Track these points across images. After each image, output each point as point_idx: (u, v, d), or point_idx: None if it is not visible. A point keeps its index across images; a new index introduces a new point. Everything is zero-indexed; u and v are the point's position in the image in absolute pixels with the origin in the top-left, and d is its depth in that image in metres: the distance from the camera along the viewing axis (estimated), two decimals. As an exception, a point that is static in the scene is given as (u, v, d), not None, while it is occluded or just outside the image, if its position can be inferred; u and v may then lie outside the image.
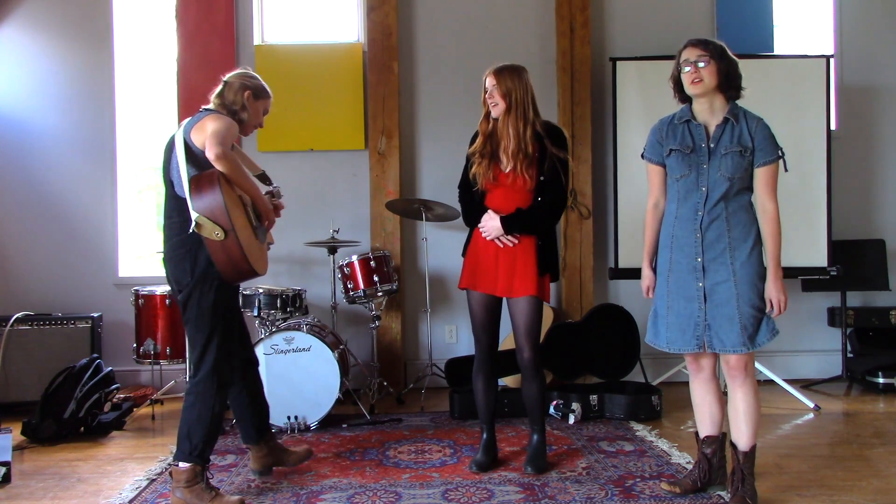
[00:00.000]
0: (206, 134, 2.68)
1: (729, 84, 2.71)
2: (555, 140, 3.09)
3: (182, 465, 2.77)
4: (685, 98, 2.80)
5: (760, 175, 2.71)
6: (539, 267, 3.09)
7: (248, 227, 2.78)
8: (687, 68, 2.71)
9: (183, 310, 2.82)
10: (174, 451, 2.83)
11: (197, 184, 2.66)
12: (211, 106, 2.95)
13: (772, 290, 2.71)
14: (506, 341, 4.20)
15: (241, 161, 3.02)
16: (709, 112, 2.75)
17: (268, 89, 3.06)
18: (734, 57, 2.75)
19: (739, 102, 2.77)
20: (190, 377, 2.85)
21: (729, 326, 2.68)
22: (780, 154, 2.72)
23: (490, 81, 3.09)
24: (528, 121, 3.06)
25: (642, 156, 2.92)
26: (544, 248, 3.12)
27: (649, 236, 2.92)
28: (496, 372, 3.36)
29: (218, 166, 2.65)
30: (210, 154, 2.63)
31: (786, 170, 2.75)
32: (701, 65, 2.68)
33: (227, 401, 2.94)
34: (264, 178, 3.19)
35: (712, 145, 2.72)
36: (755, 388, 2.72)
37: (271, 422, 3.35)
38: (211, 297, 2.76)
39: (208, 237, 2.62)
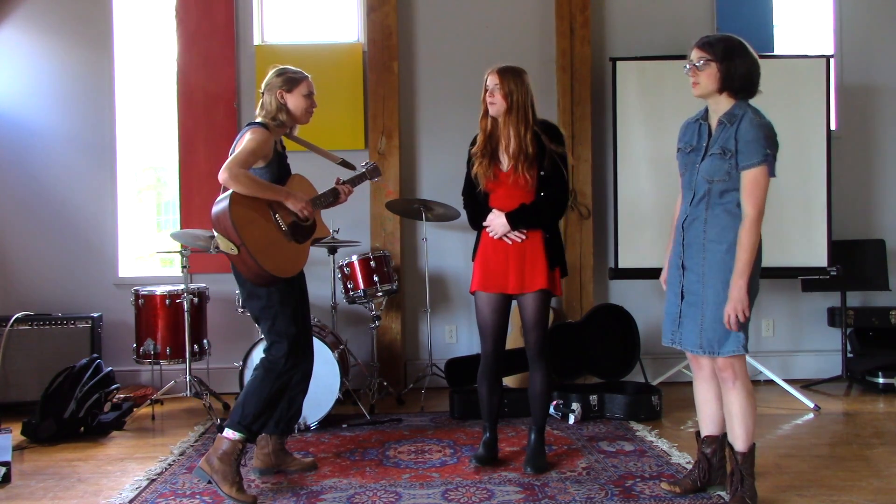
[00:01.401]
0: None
1: (730, 85, 2.64)
2: (553, 137, 3.13)
3: (227, 434, 2.92)
4: None
5: (742, 179, 2.61)
6: (549, 261, 3.12)
7: (273, 235, 2.94)
8: (687, 69, 2.70)
9: (249, 306, 3.11)
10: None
11: (215, 205, 2.89)
12: (257, 119, 3.11)
13: (730, 297, 2.60)
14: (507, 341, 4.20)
15: (318, 151, 3.31)
16: (715, 112, 2.73)
17: (297, 75, 3.12)
18: (753, 54, 2.66)
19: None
20: (263, 354, 3.10)
21: (692, 326, 2.71)
22: (764, 158, 2.58)
23: (493, 80, 3.10)
24: (528, 124, 3.09)
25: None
26: (552, 241, 3.15)
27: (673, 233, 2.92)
28: (501, 376, 3.38)
29: (230, 188, 2.86)
30: (220, 178, 2.85)
31: (773, 174, 2.61)
32: (698, 65, 2.66)
33: (286, 389, 3.09)
34: (346, 165, 3.40)
35: (710, 146, 2.71)
36: (748, 390, 2.70)
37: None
38: (265, 290, 2.99)
39: (226, 252, 2.88)
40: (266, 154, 3.00)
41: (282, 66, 3.14)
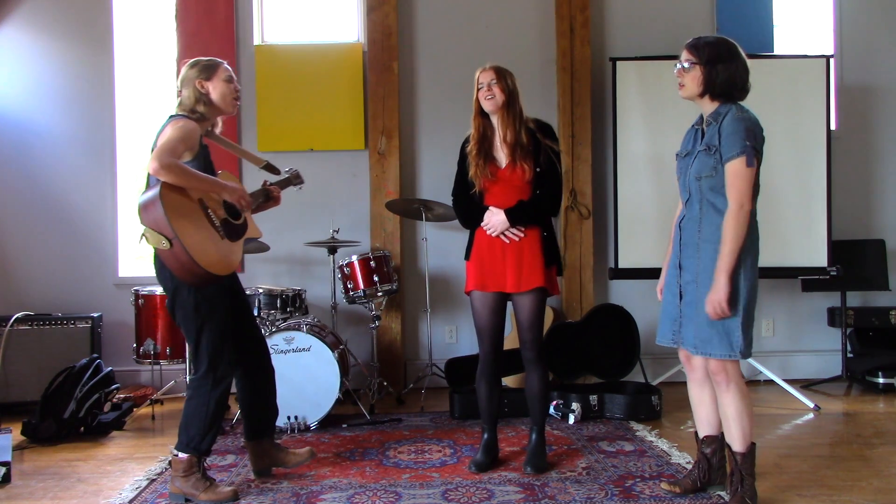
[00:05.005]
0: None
1: (712, 90, 2.65)
2: (546, 133, 3.18)
3: (181, 455, 2.87)
4: None
5: (725, 171, 2.60)
6: (546, 259, 3.12)
7: (206, 230, 2.79)
8: (676, 69, 2.71)
9: (172, 313, 2.91)
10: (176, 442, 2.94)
11: (141, 196, 2.71)
12: (175, 111, 2.96)
13: (712, 291, 2.59)
14: (506, 341, 4.20)
15: (241, 153, 3.20)
16: (704, 114, 2.75)
17: (212, 63, 2.96)
18: (741, 58, 2.64)
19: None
20: (191, 373, 2.95)
21: (688, 325, 2.72)
22: (742, 150, 2.54)
23: (488, 76, 3.14)
24: (522, 117, 3.15)
25: None
26: (549, 239, 3.17)
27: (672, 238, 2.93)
28: (500, 376, 3.37)
29: (161, 178, 2.67)
30: (149, 168, 2.68)
31: (750, 165, 2.55)
32: (685, 67, 2.67)
33: (226, 398, 2.97)
34: (270, 168, 3.28)
35: (697, 147, 2.73)
36: (742, 391, 2.69)
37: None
38: (191, 299, 2.82)
39: (156, 247, 2.69)
40: (193, 146, 2.82)
41: (194, 59, 2.97)
